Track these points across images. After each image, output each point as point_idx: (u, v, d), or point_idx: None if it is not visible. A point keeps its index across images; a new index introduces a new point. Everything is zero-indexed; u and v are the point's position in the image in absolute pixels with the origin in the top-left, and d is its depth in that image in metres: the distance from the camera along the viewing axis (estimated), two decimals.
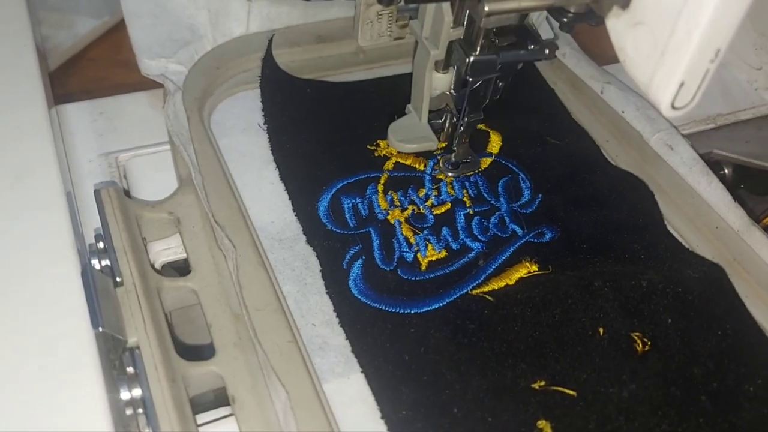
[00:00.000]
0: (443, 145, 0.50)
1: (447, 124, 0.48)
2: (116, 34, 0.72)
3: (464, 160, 0.49)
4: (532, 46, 0.42)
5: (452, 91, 0.46)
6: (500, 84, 0.45)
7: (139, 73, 0.53)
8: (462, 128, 0.47)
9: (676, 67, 0.29)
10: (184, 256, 0.42)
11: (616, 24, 0.31)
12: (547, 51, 0.42)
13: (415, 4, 0.40)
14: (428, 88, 0.46)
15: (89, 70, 0.74)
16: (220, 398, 0.37)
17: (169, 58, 0.52)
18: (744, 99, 0.61)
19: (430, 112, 0.48)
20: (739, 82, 0.63)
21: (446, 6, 0.41)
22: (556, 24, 0.58)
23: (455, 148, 0.49)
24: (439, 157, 0.50)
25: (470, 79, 0.43)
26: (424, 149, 0.49)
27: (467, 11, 0.41)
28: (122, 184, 0.48)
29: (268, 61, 0.53)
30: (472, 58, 0.41)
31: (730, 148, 0.58)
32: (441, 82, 0.45)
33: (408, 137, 0.48)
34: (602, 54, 0.60)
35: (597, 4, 0.33)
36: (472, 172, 0.49)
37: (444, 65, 0.44)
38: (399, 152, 0.50)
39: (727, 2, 0.27)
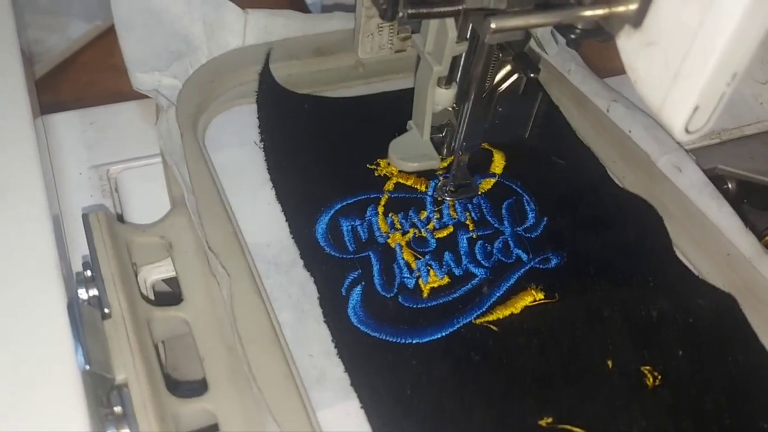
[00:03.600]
0: (446, 164, 0.48)
1: (448, 139, 0.47)
2: (109, 37, 0.70)
3: (462, 184, 0.48)
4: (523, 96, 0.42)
5: (455, 106, 0.45)
6: (499, 109, 0.44)
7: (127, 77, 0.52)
8: (461, 152, 0.46)
9: (691, 90, 0.28)
10: (173, 274, 0.40)
11: (627, 43, 0.30)
12: (528, 131, 0.43)
13: (418, 18, 0.38)
14: (430, 104, 0.44)
15: (81, 74, 0.72)
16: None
17: (162, 71, 0.50)
18: (749, 114, 0.60)
19: (432, 128, 0.46)
20: (745, 96, 0.62)
21: (450, 21, 0.39)
22: (561, 39, 0.57)
23: (454, 172, 0.47)
24: (440, 178, 0.48)
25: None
26: (426, 168, 0.48)
27: (470, 25, 0.40)
28: (113, 198, 0.46)
29: (266, 75, 0.52)
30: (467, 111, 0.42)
31: (734, 164, 0.56)
32: (443, 97, 0.44)
33: (409, 155, 0.47)
34: (605, 66, 0.58)
35: (607, 22, 0.31)
36: (469, 195, 0.48)
37: (447, 80, 0.43)
38: (400, 172, 0.48)
39: (745, 26, 0.25)
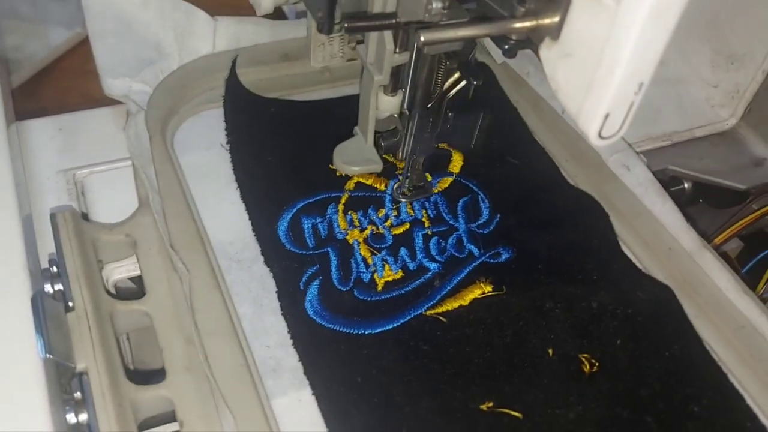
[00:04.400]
0: (402, 166, 0.50)
1: (401, 143, 0.49)
2: (89, 44, 0.72)
3: (417, 185, 0.50)
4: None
5: (405, 110, 0.47)
6: (450, 114, 0.46)
7: (96, 101, 0.54)
8: (415, 156, 0.48)
9: (602, 98, 0.30)
10: (138, 273, 0.43)
11: (548, 54, 0.32)
12: (474, 140, 0.46)
13: (357, 32, 0.40)
14: (373, 111, 0.46)
15: (62, 79, 0.74)
16: (167, 416, 0.37)
17: (133, 77, 0.52)
18: (700, 116, 0.63)
19: (379, 133, 0.48)
20: (696, 99, 0.64)
21: (388, 34, 0.41)
22: None
23: (408, 174, 0.49)
24: (399, 178, 0.50)
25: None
26: (368, 171, 0.50)
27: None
28: (79, 201, 0.48)
29: (232, 80, 0.54)
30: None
31: (685, 165, 0.59)
32: (389, 104, 0.46)
33: (353, 159, 0.49)
34: None
35: (533, 33, 0.34)
36: (423, 197, 0.50)
37: (392, 88, 0.45)
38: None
39: (647, 39, 0.28)
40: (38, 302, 0.33)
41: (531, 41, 0.36)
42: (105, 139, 0.52)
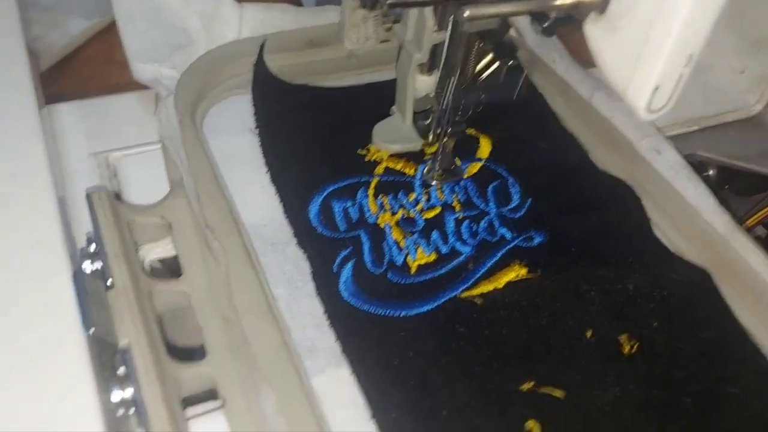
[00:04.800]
0: (433, 149, 0.50)
1: (433, 126, 0.49)
2: (109, 34, 0.72)
3: (447, 169, 0.50)
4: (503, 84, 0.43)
5: (438, 91, 0.47)
6: (482, 96, 0.46)
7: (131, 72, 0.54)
8: (446, 138, 0.48)
9: (651, 72, 0.30)
10: (174, 253, 0.42)
11: (593, 29, 0.32)
12: (517, 92, 0.44)
13: (398, 8, 0.40)
14: (411, 90, 0.46)
15: (83, 69, 0.74)
16: (208, 393, 0.37)
17: (162, 62, 0.52)
18: (727, 102, 0.62)
19: (415, 113, 0.48)
20: (723, 85, 0.64)
21: (429, 11, 0.41)
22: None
23: (439, 158, 0.49)
24: (428, 163, 0.50)
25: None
26: (408, 150, 0.50)
27: (451, 16, 0.42)
28: (112, 184, 0.48)
29: (260, 65, 0.54)
30: (446, 106, 0.44)
31: (713, 150, 0.58)
32: (425, 84, 0.46)
33: (392, 138, 0.49)
34: (586, 59, 0.60)
35: (576, 10, 0.33)
36: (453, 180, 0.50)
37: (428, 68, 0.45)
38: (389, 157, 0.51)
39: (698, 10, 0.28)
40: (80, 279, 0.33)
41: (571, 18, 0.36)
42: (134, 123, 0.52)
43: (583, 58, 0.60)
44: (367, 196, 0.48)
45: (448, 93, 0.44)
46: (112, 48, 0.68)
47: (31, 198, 0.38)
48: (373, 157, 0.51)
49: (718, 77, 0.63)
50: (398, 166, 0.50)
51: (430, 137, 0.48)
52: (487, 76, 0.44)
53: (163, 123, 0.48)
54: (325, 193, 0.48)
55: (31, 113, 0.44)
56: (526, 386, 0.39)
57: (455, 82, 0.44)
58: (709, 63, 0.63)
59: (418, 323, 0.42)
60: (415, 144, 0.48)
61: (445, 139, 0.48)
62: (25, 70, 0.47)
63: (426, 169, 0.50)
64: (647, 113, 0.32)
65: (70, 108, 0.53)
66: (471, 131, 0.54)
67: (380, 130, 0.48)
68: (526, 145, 0.53)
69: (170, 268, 0.45)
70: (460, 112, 0.46)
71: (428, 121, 0.49)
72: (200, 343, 0.38)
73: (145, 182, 0.49)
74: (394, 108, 0.49)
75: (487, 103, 0.46)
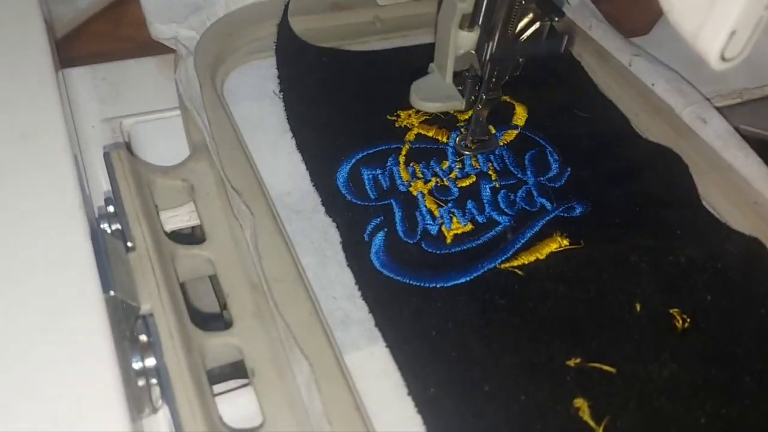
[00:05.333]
0: (467, 116, 0.48)
1: (468, 91, 0.46)
2: (117, 8, 0.70)
3: (482, 138, 0.47)
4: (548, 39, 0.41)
5: (476, 52, 0.44)
6: (521, 60, 0.43)
7: (140, 48, 0.52)
8: (480, 105, 0.45)
9: (728, 14, 0.27)
10: (195, 222, 0.40)
11: None
12: (562, 48, 0.42)
13: None
14: (453, 44, 0.43)
15: (90, 44, 0.72)
16: (235, 371, 0.34)
17: (180, 23, 0.49)
18: None
19: (455, 73, 0.45)
20: (766, 56, 0.61)
21: None
22: None
23: (473, 126, 0.46)
24: (461, 130, 0.48)
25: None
26: (449, 109, 0.47)
27: None
28: (126, 149, 0.46)
29: (284, 27, 0.51)
30: (488, 56, 0.41)
31: (756, 124, 0.56)
32: (466, 40, 0.43)
33: (431, 96, 0.46)
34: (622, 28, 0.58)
35: None
36: (487, 151, 0.47)
37: (470, 22, 0.42)
38: (420, 123, 0.48)
39: None
40: (99, 239, 0.31)
41: None
42: (149, 89, 0.50)
43: (639, 28, 0.58)
44: (398, 163, 0.46)
45: (488, 51, 0.41)
46: (120, 23, 0.66)
47: (47, 154, 0.35)
48: (404, 123, 0.48)
49: (763, 48, 0.60)
50: (430, 133, 0.48)
51: (466, 95, 0.45)
52: (529, 36, 0.42)
53: (183, 83, 0.45)
54: (353, 160, 0.45)
55: (47, 73, 0.42)
56: (573, 362, 0.36)
57: (496, 40, 0.41)
58: None
59: (456, 295, 0.39)
60: (457, 103, 0.45)
61: (479, 106, 0.45)
62: (42, 31, 0.44)
63: (458, 138, 0.47)
64: (720, 62, 0.29)
65: (81, 73, 0.51)
66: (505, 98, 0.51)
67: (418, 88, 0.45)
68: (563, 113, 0.51)
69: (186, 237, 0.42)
70: (496, 74, 0.43)
71: (461, 88, 0.47)
72: (216, 311, 0.36)
73: (159, 149, 0.46)
74: (432, 65, 0.46)
75: (527, 64, 0.44)
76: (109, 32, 0.71)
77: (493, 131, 0.48)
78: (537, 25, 0.41)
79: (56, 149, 0.35)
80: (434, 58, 0.45)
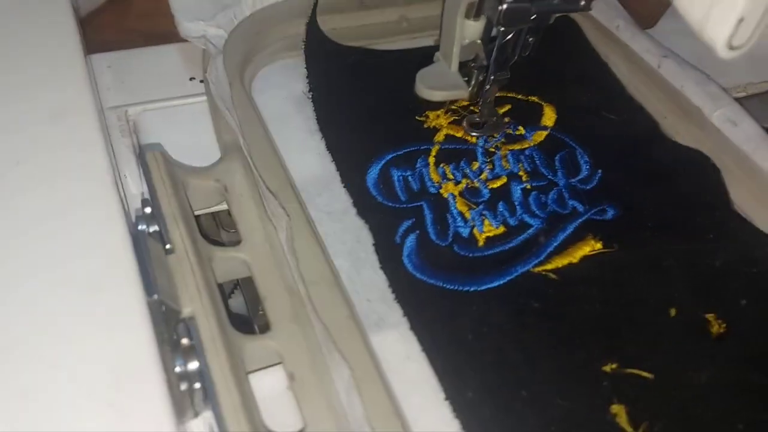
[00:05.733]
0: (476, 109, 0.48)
1: (474, 81, 0.46)
2: (123, 1, 0.70)
3: (489, 121, 0.47)
4: None
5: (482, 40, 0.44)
6: (530, 39, 0.43)
7: (146, 39, 0.52)
8: (489, 86, 0.45)
9: (736, 1, 0.27)
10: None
11: None
12: (583, 2, 0.41)
13: None
14: (459, 32, 0.43)
15: (96, 34, 0.72)
16: None
17: (208, 21, 0.49)
18: None
19: (460, 63, 0.45)
20: None
21: None
22: None
23: (480, 108, 0.46)
24: (465, 116, 0.48)
25: (502, 29, 0.41)
26: (454, 98, 0.47)
27: None
28: (132, 138, 0.46)
29: (313, 26, 0.51)
30: (505, 6, 0.39)
31: (759, 117, 0.55)
32: (472, 30, 0.43)
33: (437, 84, 0.46)
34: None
35: None
36: (494, 133, 0.47)
37: (476, 12, 0.42)
38: (449, 123, 0.48)
39: None
40: (141, 241, 0.30)
41: None
42: (155, 78, 0.50)
43: (645, 20, 0.57)
44: (427, 164, 0.46)
45: (494, 42, 0.41)
46: (126, 16, 0.65)
47: (83, 153, 0.35)
48: (432, 124, 0.48)
49: (766, 42, 0.60)
50: (459, 134, 0.47)
51: (472, 84, 0.45)
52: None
53: (214, 83, 0.45)
54: (383, 162, 0.45)
55: (76, 57, 0.42)
56: (610, 367, 0.36)
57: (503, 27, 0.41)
58: None
59: (490, 298, 0.39)
60: (462, 91, 0.45)
61: (487, 87, 0.45)
62: (70, 16, 0.44)
63: (464, 123, 0.47)
64: (727, 50, 0.29)
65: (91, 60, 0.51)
66: (533, 98, 0.51)
67: (424, 76, 0.45)
68: (592, 115, 0.50)
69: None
70: (501, 62, 0.43)
71: (467, 77, 0.46)
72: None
73: (168, 138, 0.46)
74: (438, 54, 0.46)
75: (553, 65, 0.44)
76: (116, 24, 0.70)
77: (523, 131, 0.48)
78: None
79: (95, 149, 0.35)
80: (440, 47, 0.45)
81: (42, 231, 0.31)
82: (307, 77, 0.49)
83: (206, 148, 0.46)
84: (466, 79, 0.47)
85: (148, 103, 0.48)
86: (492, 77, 0.44)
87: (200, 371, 0.29)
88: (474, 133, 0.47)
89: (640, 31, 0.55)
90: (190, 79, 0.51)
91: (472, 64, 0.45)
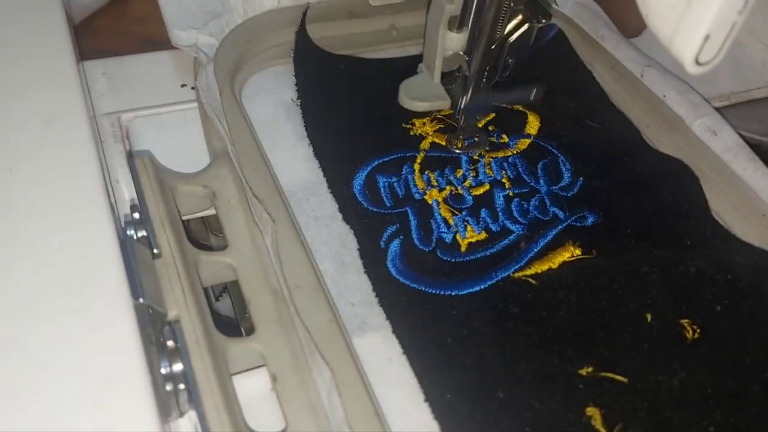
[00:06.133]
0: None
1: (457, 91, 0.47)
2: (121, 5, 0.70)
3: (470, 138, 0.48)
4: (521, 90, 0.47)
5: (465, 55, 0.45)
6: (510, 61, 0.44)
7: (142, 44, 0.53)
8: (469, 105, 0.46)
9: (702, 18, 0.28)
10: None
11: None
12: (533, 94, 0.47)
13: None
14: (441, 45, 0.44)
15: (92, 39, 0.72)
16: None
17: (199, 29, 0.50)
18: (758, 77, 0.61)
19: (443, 74, 0.46)
20: (754, 61, 0.62)
21: None
22: None
23: (462, 125, 0.47)
24: (475, 137, 0.48)
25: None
26: (436, 108, 0.48)
27: None
28: (124, 144, 0.47)
29: (302, 35, 0.52)
30: (463, 104, 0.45)
31: (743, 126, 0.57)
32: (454, 42, 0.44)
33: (420, 95, 0.47)
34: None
35: None
36: (477, 149, 0.48)
37: (458, 24, 0.43)
38: (434, 131, 0.49)
39: None
40: (128, 246, 0.31)
41: None
42: (148, 84, 0.51)
43: (630, 30, 0.58)
44: (413, 171, 0.47)
45: (476, 53, 0.42)
46: (124, 19, 0.66)
47: (74, 159, 0.36)
48: (418, 132, 0.49)
49: (749, 53, 0.62)
50: (444, 142, 0.48)
51: (457, 103, 0.47)
52: (516, 38, 0.43)
53: (204, 91, 0.46)
54: (369, 168, 0.46)
55: (68, 63, 0.42)
56: (586, 371, 0.37)
57: (485, 42, 0.42)
58: (740, 38, 0.61)
59: (471, 302, 0.40)
60: (444, 102, 0.46)
61: (468, 107, 0.46)
62: (63, 22, 0.45)
63: (447, 137, 0.48)
64: (695, 66, 0.30)
65: (84, 67, 0.52)
66: (518, 107, 0.52)
67: (407, 87, 0.46)
68: (575, 123, 0.51)
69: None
70: (486, 75, 0.44)
71: (452, 86, 0.48)
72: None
73: (160, 145, 0.47)
74: (421, 65, 0.47)
75: (544, 75, 0.45)
76: (112, 28, 0.71)
77: (507, 139, 0.49)
78: (525, 27, 0.42)
79: (85, 154, 0.36)
80: (423, 58, 0.46)
81: (31, 234, 0.32)
82: (296, 85, 0.50)
83: (196, 153, 0.47)
84: (449, 88, 0.48)
85: (141, 110, 0.50)
86: (476, 96, 0.46)
87: (185, 373, 0.30)
88: (457, 151, 0.48)
89: (624, 40, 0.56)
90: (182, 86, 0.52)
91: (457, 74, 0.47)
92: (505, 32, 0.42)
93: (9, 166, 0.34)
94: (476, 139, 0.48)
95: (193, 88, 0.51)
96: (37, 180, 0.34)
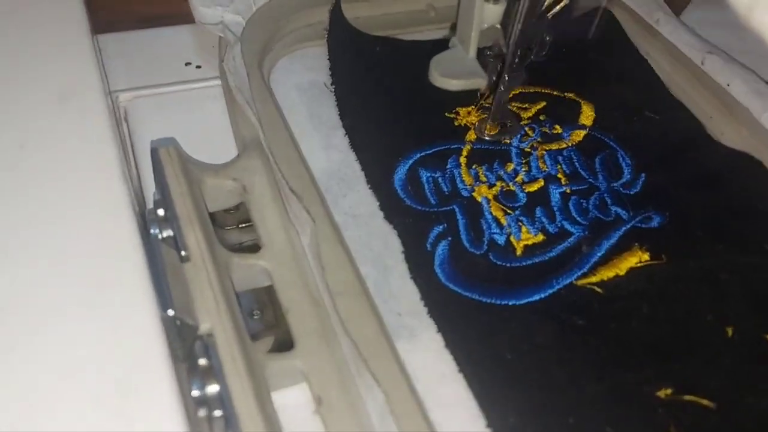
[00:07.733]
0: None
1: (490, 72, 0.43)
2: None
3: (504, 123, 0.44)
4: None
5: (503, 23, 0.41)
6: (547, 38, 0.40)
7: (146, 23, 0.49)
8: (503, 88, 0.42)
9: None
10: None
11: None
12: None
13: None
14: (478, 15, 0.40)
15: (96, 17, 0.69)
16: None
17: (225, 6, 0.46)
18: None
19: (479, 49, 0.42)
20: None
21: None
22: None
23: (493, 108, 0.43)
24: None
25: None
26: (472, 87, 0.44)
27: None
28: (121, 127, 0.44)
29: (337, 14, 0.47)
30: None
31: None
32: (491, 13, 0.40)
33: (453, 72, 0.42)
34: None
35: None
36: (509, 139, 0.44)
37: None
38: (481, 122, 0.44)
39: None
40: (155, 249, 0.27)
41: None
42: (149, 63, 0.47)
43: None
44: (459, 165, 0.42)
45: (515, 26, 0.38)
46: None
47: (90, 141, 0.32)
48: (463, 122, 0.45)
49: None
50: (493, 132, 0.44)
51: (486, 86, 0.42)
52: (557, 12, 0.38)
53: (232, 73, 0.41)
54: (411, 161, 0.42)
55: (84, 37, 0.38)
56: (664, 392, 0.33)
57: (524, 13, 0.38)
58: None
59: (530, 313, 0.36)
60: (480, 80, 0.42)
61: (502, 88, 0.42)
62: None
63: (476, 124, 0.44)
64: None
65: None
66: (570, 95, 0.47)
67: (439, 62, 0.42)
68: (632, 114, 0.47)
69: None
70: (518, 56, 0.40)
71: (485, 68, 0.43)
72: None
73: (159, 126, 0.44)
74: (454, 39, 0.42)
75: (556, 43, 0.41)
76: (118, 6, 0.67)
77: (560, 130, 0.45)
78: (565, 1, 0.38)
79: (106, 145, 0.32)
80: (456, 32, 0.42)
81: (38, 231, 0.28)
82: (330, 69, 0.46)
83: (204, 138, 0.43)
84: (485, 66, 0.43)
85: (141, 89, 0.46)
86: (507, 77, 0.41)
87: (220, 396, 0.26)
88: (487, 137, 0.43)
89: (681, 24, 0.52)
90: (186, 64, 0.48)
91: (488, 53, 0.42)
92: (546, 4, 0.38)
93: (20, 142, 0.29)
94: (509, 124, 0.44)
95: (198, 66, 0.47)
96: (50, 163, 0.30)
